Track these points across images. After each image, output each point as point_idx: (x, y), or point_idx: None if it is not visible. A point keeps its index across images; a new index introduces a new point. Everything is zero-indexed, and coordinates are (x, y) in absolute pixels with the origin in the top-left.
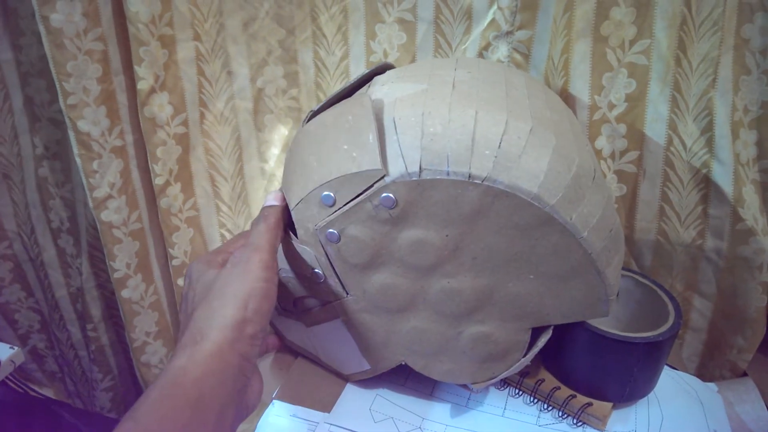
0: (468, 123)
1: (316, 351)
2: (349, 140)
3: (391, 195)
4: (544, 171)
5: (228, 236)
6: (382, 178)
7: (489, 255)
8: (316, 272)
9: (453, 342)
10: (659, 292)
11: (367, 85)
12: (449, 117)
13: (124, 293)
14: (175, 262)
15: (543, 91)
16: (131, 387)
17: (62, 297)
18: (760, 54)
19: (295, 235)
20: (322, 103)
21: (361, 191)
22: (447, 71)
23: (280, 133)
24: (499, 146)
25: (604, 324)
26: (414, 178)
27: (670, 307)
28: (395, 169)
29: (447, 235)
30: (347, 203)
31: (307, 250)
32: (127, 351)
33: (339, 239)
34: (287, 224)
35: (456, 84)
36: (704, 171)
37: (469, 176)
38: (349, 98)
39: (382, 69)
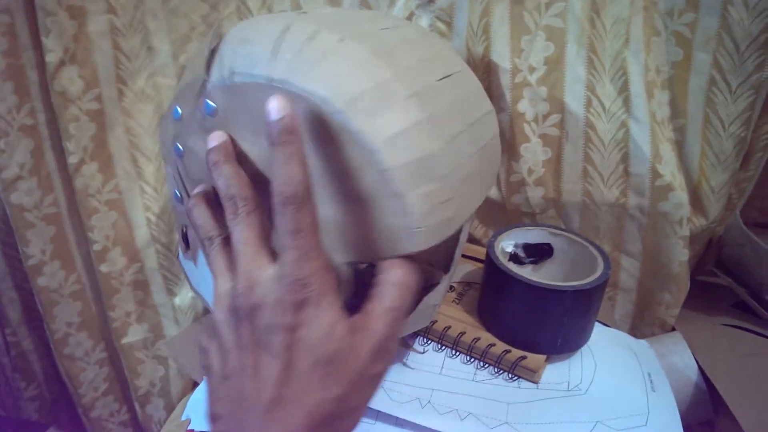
0: (278, 29)
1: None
2: (196, 56)
3: (210, 102)
4: (340, 74)
5: (155, 220)
6: (204, 84)
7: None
8: (174, 192)
9: None
10: (590, 248)
11: None
12: (264, 26)
13: (41, 281)
14: (96, 247)
15: (427, 42)
16: (59, 394)
17: None
18: (667, 15)
19: None
20: None
21: (193, 101)
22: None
23: None
24: (300, 50)
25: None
26: (227, 83)
27: (600, 260)
28: (215, 75)
29: (263, 145)
30: (186, 115)
31: (168, 171)
32: (51, 355)
33: (183, 154)
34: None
35: (314, 12)
36: (623, 130)
37: (270, 79)
38: None
39: None
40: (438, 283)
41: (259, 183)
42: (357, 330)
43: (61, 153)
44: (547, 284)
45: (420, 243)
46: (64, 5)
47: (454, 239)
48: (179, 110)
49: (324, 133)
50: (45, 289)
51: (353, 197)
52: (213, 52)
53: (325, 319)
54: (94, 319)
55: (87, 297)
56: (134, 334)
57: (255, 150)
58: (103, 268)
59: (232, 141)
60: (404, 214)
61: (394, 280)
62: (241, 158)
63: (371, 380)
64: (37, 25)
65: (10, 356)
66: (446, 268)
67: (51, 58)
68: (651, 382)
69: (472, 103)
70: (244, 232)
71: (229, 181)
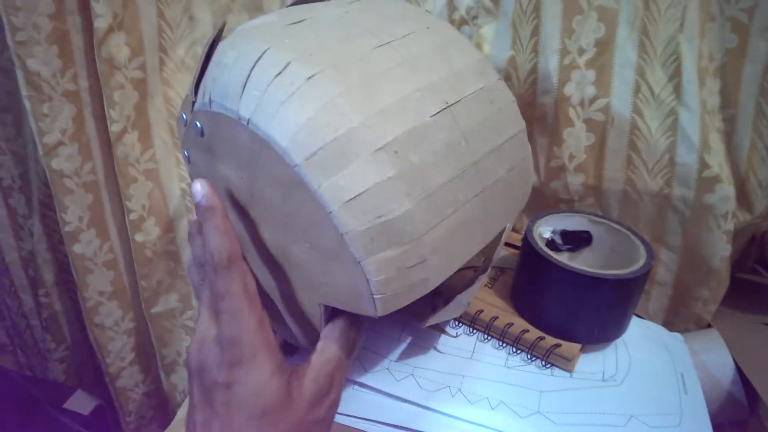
0: (252, 58)
1: None
2: (198, 60)
3: (197, 122)
4: (300, 124)
5: (188, 190)
6: (193, 104)
7: (272, 209)
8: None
9: (279, 303)
10: (632, 237)
11: None
12: (244, 49)
13: (77, 248)
14: (132, 216)
15: (442, 56)
16: (86, 356)
17: (13, 262)
18: (724, 0)
19: None
20: None
21: (190, 114)
22: (340, 5)
23: None
24: (267, 89)
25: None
26: (207, 109)
27: (642, 249)
28: (199, 97)
29: (242, 177)
30: (188, 124)
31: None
32: (81, 319)
33: (188, 159)
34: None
35: (313, 18)
36: (671, 118)
37: (238, 116)
38: None
39: None
40: (474, 283)
41: (242, 216)
42: (294, 381)
43: (101, 120)
44: (588, 271)
45: (381, 309)
46: None
47: (496, 240)
48: (184, 116)
49: (289, 180)
50: (80, 256)
51: (319, 248)
52: (203, 70)
53: (257, 375)
54: (125, 288)
55: (119, 266)
56: (164, 304)
57: (235, 178)
58: (138, 237)
59: (216, 161)
60: (362, 280)
61: (335, 336)
62: (227, 183)
63: (315, 425)
64: None
65: (41, 317)
66: (484, 269)
67: (100, 24)
68: (684, 383)
69: (491, 128)
70: (204, 294)
71: (196, 250)
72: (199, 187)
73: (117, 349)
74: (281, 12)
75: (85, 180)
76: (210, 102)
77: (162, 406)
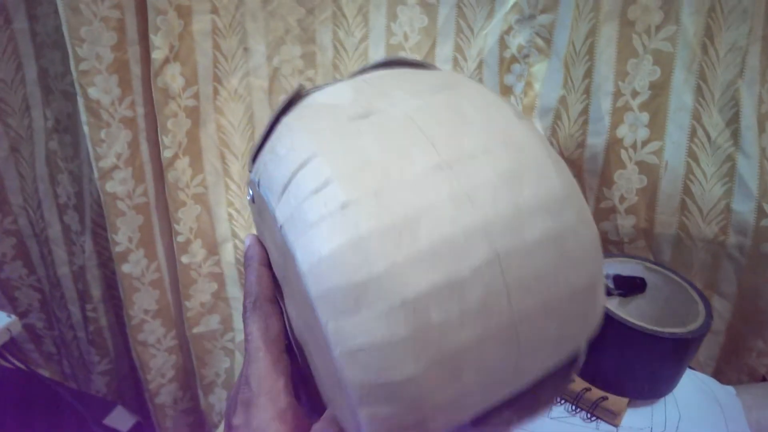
0: (299, 160)
1: None
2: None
3: (250, 189)
4: (322, 256)
5: (236, 215)
6: (249, 170)
7: (298, 303)
8: None
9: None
10: (690, 290)
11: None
12: (297, 144)
13: (125, 268)
14: (179, 239)
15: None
16: (128, 372)
17: (64, 275)
18: None
19: None
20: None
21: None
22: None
23: None
24: (302, 204)
25: (630, 318)
26: (256, 189)
27: (701, 305)
28: (254, 170)
29: (277, 257)
30: None
31: None
32: (125, 334)
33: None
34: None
35: (382, 113)
36: (728, 164)
37: (274, 216)
38: None
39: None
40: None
41: (277, 286)
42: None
43: (154, 145)
44: (644, 327)
45: None
46: (174, 4)
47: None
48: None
49: (307, 299)
50: (128, 275)
51: (328, 371)
52: (265, 137)
53: (259, 419)
54: (169, 307)
55: (164, 286)
56: (206, 324)
57: (273, 251)
58: (184, 259)
59: (263, 233)
60: (357, 423)
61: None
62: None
63: None
64: (146, 21)
65: (87, 331)
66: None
67: (157, 55)
68: None
69: (550, 281)
70: (247, 327)
71: (246, 283)
72: (247, 240)
73: (158, 366)
74: (356, 87)
75: (136, 202)
76: (258, 184)
77: (199, 425)
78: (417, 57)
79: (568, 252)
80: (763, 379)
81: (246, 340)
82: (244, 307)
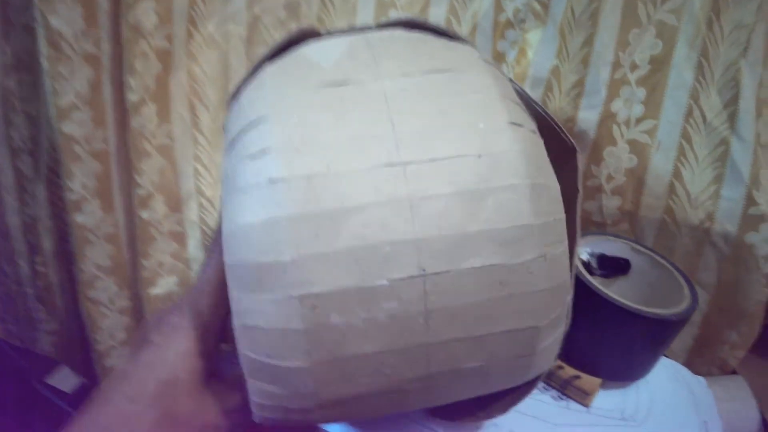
0: (249, 118)
1: None
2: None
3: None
4: (238, 226)
5: (203, 171)
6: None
7: None
8: None
9: None
10: (676, 274)
11: None
12: (257, 97)
13: (78, 218)
14: (140, 192)
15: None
16: (77, 332)
17: (15, 226)
18: None
19: None
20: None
21: None
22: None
23: None
24: (237, 164)
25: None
26: (226, 124)
27: (686, 290)
28: (228, 109)
29: None
30: None
31: None
32: (76, 292)
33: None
34: None
35: (361, 83)
36: (722, 148)
37: (224, 164)
38: None
39: (307, 34)
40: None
41: None
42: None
43: (118, 90)
44: (627, 305)
45: (257, 419)
46: None
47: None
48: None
49: None
50: (81, 226)
51: None
52: (244, 82)
53: (177, 342)
54: (124, 265)
55: (120, 242)
56: (163, 286)
57: None
58: (144, 214)
59: None
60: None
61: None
62: None
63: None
64: None
65: (36, 287)
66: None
67: None
68: (706, 431)
69: (483, 315)
70: (208, 257)
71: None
72: None
73: (108, 326)
74: (353, 46)
75: (95, 148)
76: (225, 125)
77: None
78: (441, 24)
79: (512, 291)
80: (734, 372)
81: (202, 270)
82: (213, 239)
